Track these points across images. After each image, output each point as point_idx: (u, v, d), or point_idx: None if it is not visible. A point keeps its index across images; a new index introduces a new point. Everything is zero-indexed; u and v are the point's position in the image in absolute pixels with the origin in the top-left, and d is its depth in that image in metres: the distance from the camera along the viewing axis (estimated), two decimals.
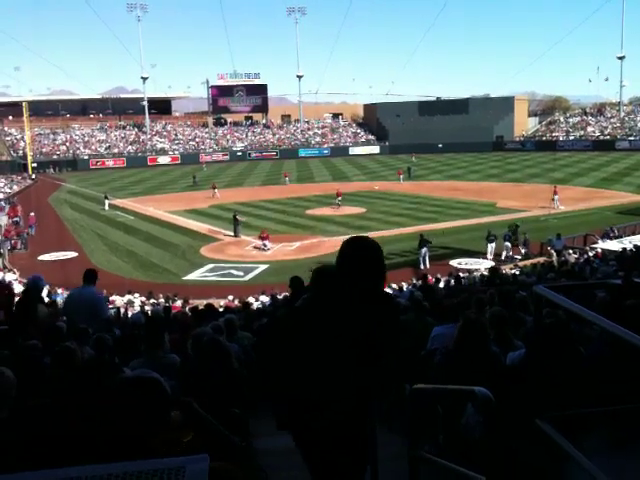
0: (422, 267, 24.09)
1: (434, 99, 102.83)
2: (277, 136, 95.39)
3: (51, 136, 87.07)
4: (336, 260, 2.78)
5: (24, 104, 77.77)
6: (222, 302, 18.76)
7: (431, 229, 29.19)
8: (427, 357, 5.89)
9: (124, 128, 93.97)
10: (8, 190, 55.92)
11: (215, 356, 4.98)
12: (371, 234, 30.98)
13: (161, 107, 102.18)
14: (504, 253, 25.75)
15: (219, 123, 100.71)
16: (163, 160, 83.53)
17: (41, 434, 2.58)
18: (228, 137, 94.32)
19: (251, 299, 18.77)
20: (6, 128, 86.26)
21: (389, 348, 2.78)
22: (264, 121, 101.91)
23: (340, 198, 39.38)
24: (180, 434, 2.67)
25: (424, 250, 24.50)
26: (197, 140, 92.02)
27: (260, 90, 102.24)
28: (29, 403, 3.14)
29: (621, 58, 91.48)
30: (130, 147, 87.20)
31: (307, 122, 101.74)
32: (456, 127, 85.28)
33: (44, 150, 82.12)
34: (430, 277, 20.63)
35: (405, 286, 19.12)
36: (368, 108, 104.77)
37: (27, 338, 6.60)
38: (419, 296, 12.03)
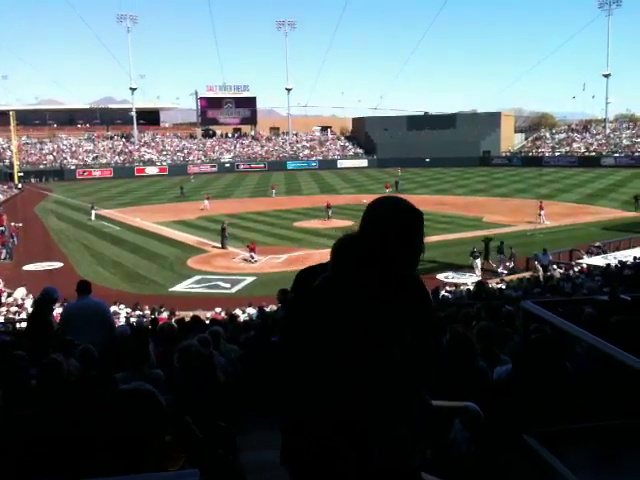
0: None
1: (422, 114, 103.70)
2: (265, 148, 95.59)
3: (38, 145, 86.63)
4: (359, 228, 2.08)
5: (11, 113, 77.32)
6: (209, 314, 18.67)
7: None
8: None
9: (112, 138, 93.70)
10: None
11: (201, 369, 4.95)
12: None
13: (149, 118, 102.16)
14: (502, 265, 26.03)
15: (207, 134, 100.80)
16: (151, 171, 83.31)
17: (28, 444, 2.56)
18: (216, 148, 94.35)
19: (238, 311, 18.70)
20: None
21: (421, 357, 2.06)
22: (253, 133, 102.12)
23: (331, 210, 39.53)
24: (173, 459, 2.67)
25: None
26: (185, 151, 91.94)
27: (249, 102, 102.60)
28: (15, 413, 3.11)
29: (607, 76, 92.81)
30: (117, 157, 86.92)
31: (296, 135, 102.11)
32: (443, 142, 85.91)
33: (31, 159, 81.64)
34: None
35: None
36: (357, 122, 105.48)
37: (17, 349, 6.53)
38: None
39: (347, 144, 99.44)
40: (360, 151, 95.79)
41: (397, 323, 2.05)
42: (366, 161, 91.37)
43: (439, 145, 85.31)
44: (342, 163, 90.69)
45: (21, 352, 5.75)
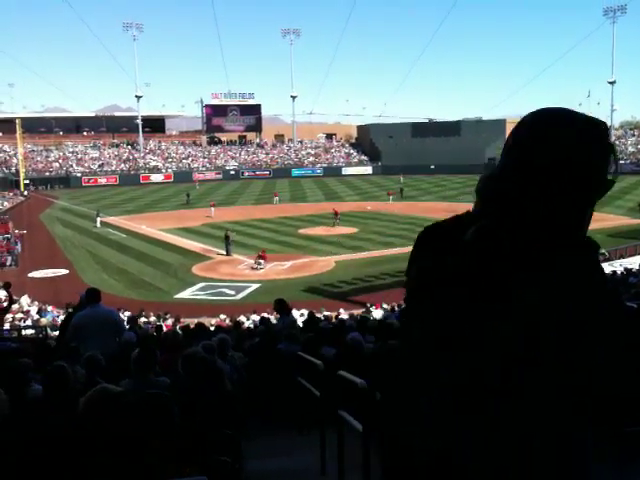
0: None
1: (427, 121, 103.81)
2: (270, 155, 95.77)
3: (44, 153, 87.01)
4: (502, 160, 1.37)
5: (17, 121, 77.80)
6: (213, 321, 18.69)
7: None
8: None
9: (117, 146, 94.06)
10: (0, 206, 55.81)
11: (207, 376, 4.95)
12: (363, 255, 31.16)
13: (155, 125, 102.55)
14: None
15: (213, 142, 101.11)
16: (156, 178, 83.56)
17: (30, 448, 2.58)
18: (221, 156, 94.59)
19: (242, 318, 18.70)
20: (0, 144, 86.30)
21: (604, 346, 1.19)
22: (257, 140, 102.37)
23: (339, 217, 39.60)
24: (184, 467, 2.69)
25: None
26: (190, 159, 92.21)
27: (254, 110, 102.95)
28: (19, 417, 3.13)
29: (612, 83, 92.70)
30: (123, 165, 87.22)
31: (300, 142, 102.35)
32: (448, 149, 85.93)
33: (37, 167, 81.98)
34: None
35: (396, 307, 19.16)
36: (361, 129, 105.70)
37: (22, 356, 6.56)
38: None
39: (352, 151, 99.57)
40: (365, 158, 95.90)
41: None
42: (371, 168, 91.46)
43: (444, 152, 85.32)
44: (347, 170, 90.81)
45: (27, 359, 5.79)
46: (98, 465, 2.64)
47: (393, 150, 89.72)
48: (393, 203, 50.27)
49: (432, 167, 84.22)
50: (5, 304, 16.57)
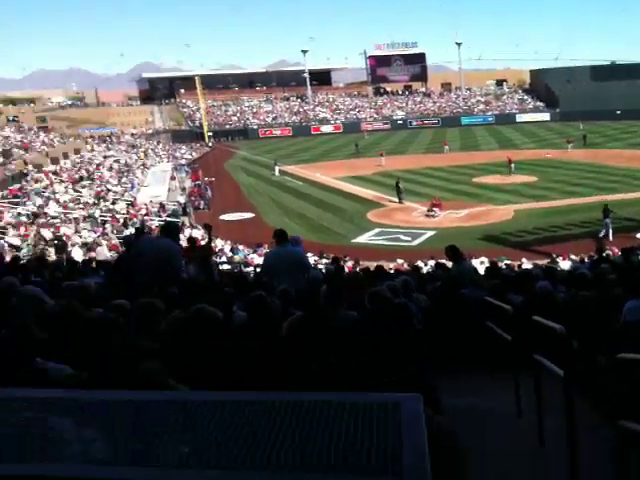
0: (604, 237, 22.58)
1: (608, 63, 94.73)
2: (438, 104, 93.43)
3: (223, 108, 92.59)
4: None
5: (197, 78, 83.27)
6: (391, 265, 19.05)
7: (613, 200, 27.02)
8: (623, 330, 5.69)
9: (288, 99, 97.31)
10: (189, 156, 60.91)
11: (393, 313, 5.04)
12: (545, 204, 29.59)
13: (321, 78, 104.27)
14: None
15: (378, 93, 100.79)
16: (326, 129, 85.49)
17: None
18: (388, 106, 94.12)
19: (420, 263, 18.83)
20: (183, 100, 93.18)
21: None
22: (423, 89, 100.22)
23: (513, 165, 37.90)
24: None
25: (608, 221, 22.93)
26: (358, 109, 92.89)
27: (418, 59, 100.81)
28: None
29: None
30: (295, 117, 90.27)
31: (469, 90, 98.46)
32: (634, 92, 77.85)
33: (217, 121, 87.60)
34: (615, 249, 19.29)
35: (586, 258, 18.13)
36: (534, 74, 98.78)
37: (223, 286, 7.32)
38: (606, 268, 11.30)
39: (525, 97, 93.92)
40: (540, 104, 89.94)
41: None
42: (548, 114, 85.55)
43: (629, 96, 77.51)
44: (521, 117, 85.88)
45: (229, 289, 6.50)
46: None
47: (571, 95, 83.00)
48: (573, 151, 46.98)
49: (618, 112, 76.92)
50: (203, 242, 18.37)
